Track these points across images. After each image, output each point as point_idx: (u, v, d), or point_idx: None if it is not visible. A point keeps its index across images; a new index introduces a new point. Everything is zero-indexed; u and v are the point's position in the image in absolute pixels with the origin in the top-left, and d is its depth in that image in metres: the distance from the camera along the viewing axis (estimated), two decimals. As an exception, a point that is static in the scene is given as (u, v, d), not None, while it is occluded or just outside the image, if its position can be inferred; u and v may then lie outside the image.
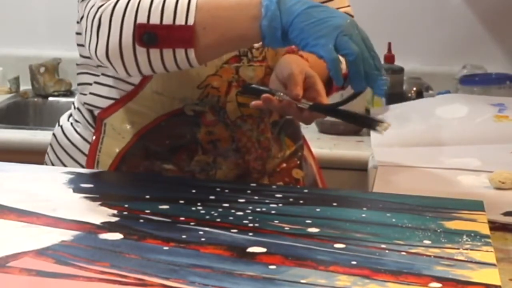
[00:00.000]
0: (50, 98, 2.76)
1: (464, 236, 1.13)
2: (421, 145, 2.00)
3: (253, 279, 0.96)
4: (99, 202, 1.24)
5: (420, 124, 2.12)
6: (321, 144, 2.21)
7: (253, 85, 1.40)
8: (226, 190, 1.32)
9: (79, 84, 1.54)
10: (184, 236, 1.10)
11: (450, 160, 1.83)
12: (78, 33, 1.49)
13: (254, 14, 1.23)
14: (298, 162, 1.57)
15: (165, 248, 1.05)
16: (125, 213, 1.19)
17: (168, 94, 1.43)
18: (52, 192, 1.29)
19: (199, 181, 1.43)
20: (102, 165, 1.46)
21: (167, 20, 1.25)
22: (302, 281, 0.96)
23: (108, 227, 1.13)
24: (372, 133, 2.07)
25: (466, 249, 1.08)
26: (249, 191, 1.32)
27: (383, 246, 1.08)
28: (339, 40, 1.20)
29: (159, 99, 1.43)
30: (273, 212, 1.22)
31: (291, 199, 1.29)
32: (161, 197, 1.27)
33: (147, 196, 1.28)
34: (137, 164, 1.45)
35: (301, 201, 1.28)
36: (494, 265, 1.03)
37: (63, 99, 2.75)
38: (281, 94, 1.33)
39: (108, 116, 1.46)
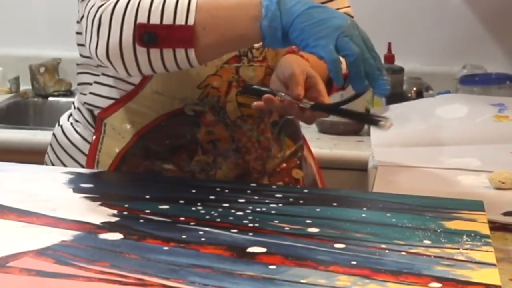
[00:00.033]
0: (50, 98, 2.77)
1: (464, 236, 1.13)
2: (421, 145, 2.00)
3: (253, 279, 0.96)
4: (99, 202, 1.24)
5: (420, 124, 2.12)
6: (321, 144, 2.21)
7: (254, 86, 1.40)
8: (226, 190, 1.32)
9: (79, 84, 1.54)
10: (184, 236, 1.10)
11: (450, 160, 1.83)
12: (78, 33, 1.49)
13: (254, 14, 1.23)
14: (298, 162, 1.57)
15: (165, 248, 1.05)
16: (125, 213, 1.19)
17: (168, 94, 1.43)
18: (52, 192, 1.29)
19: (199, 181, 1.43)
20: (102, 165, 1.46)
21: (167, 20, 1.25)
22: (302, 281, 0.96)
23: (108, 227, 1.13)
24: (372, 133, 2.08)
25: (466, 249, 1.08)
26: (249, 191, 1.32)
27: (383, 246, 1.08)
28: (340, 41, 1.20)
29: (159, 99, 1.43)
30: (273, 212, 1.22)
31: (291, 199, 1.29)
32: (161, 197, 1.27)
33: (147, 196, 1.28)
34: (137, 164, 1.45)
35: (301, 201, 1.28)
36: (494, 265, 1.03)
37: (63, 99, 2.75)
38: (282, 94, 1.33)
39: (108, 116, 1.46)
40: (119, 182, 1.43)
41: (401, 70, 2.50)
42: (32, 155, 1.94)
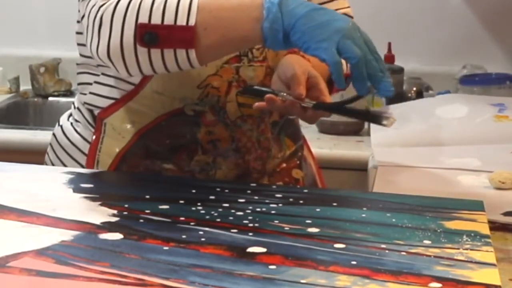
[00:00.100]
0: (50, 98, 2.77)
1: (464, 236, 1.13)
2: (421, 145, 2.00)
3: (253, 279, 0.96)
4: (99, 202, 1.24)
5: (420, 124, 2.12)
6: (321, 144, 2.21)
7: (255, 86, 1.40)
8: (226, 190, 1.32)
9: (79, 84, 1.54)
10: (184, 236, 1.10)
11: (450, 160, 1.83)
12: (78, 33, 1.49)
13: (255, 16, 1.23)
14: (298, 162, 1.57)
15: (165, 248, 1.05)
16: (125, 213, 1.19)
17: (169, 93, 1.43)
18: (52, 192, 1.29)
19: (199, 181, 1.43)
20: (102, 165, 1.46)
21: (169, 20, 1.25)
22: (302, 281, 0.96)
23: (108, 227, 1.13)
24: (372, 133, 2.08)
25: (466, 249, 1.08)
26: (249, 191, 1.32)
27: (383, 246, 1.08)
28: (341, 43, 1.19)
29: (159, 98, 1.43)
30: (273, 212, 1.22)
31: (291, 199, 1.29)
32: (161, 197, 1.27)
33: (147, 196, 1.28)
34: (137, 163, 1.45)
35: (301, 201, 1.28)
36: (494, 265, 1.03)
37: (63, 99, 2.75)
38: (284, 94, 1.33)
39: (108, 115, 1.46)
40: (119, 182, 1.43)
41: (401, 70, 2.50)
42: (32, 155, 1.94)
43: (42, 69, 2.76)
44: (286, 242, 1.09)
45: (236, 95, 1.44)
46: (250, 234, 1.12)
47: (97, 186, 1.33)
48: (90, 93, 1.49)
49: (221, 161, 1.45)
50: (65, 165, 1.51)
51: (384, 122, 1.30)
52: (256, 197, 1.29)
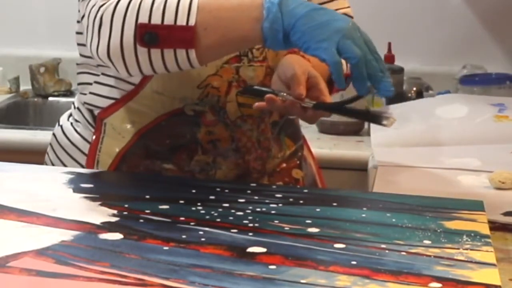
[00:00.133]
0: (50, 98, 2.77)
1: (464, 236, 1.13)
2: (421, 145, 2.00)
3: (253, 279, 0.96)
4: (99, 202, 1.24)
5: (420, 124, 2.12)
6: (321, 144, 2.21)
7: (255, 86, 1.40)
8: (226, 190, 1.32)
9: (79, 84, 1.54)
10: (184, 236, 1.10)
11: (450, 160, 1.83)
12: (78, 33, 1.49)
13: (255, 16, 1.23)
14: (298, 162, 1.57)
15: (165, 248, 1.05)
16: (125, 213, 1.19)
17: (169, 93, 1.43)
18: (52, 192, 1.29)
19: (199, 181, 1.43)
20: (102, 165, 1.46)
21: (169, 20, 1.25)
22: (302, 281, 0.96)
23: (108, 227, 1.13)
24: (372, 133, 2.08)
25: (466, 249, 1.08)
26: (249, 191, 1.32)
27: (383, 246, 1.08)
28: (341, 43, 1.19)
29: (160, 98, 1.43)
30: (273, 212, 1.22)
31: (291, 199, 1.29)
32: (161, 197, 1.27)
33: (147, 196, 1.28)
34: (137, 163, 1.45)
35: (301, 201, 1.28)
36: (494, 265, 1.03)
37: (63, 99, 2.75)
38: (284, 94, 1.33)
39: (108, 115, 1.46)
40: (119, 182, 1.43)
41: (401, 70, 2.50)
42: (32, 155, 1.94)
43: (42, 69, 2.76)
44: (286, 242, 1.09)
45: (236, 95, 1.44)
46: (250, 234, 1.12)
47: (97, 186, 1.33)
48: (90, 93, 1.49)
49: (221, 161, 1.45)
50: (65, 165, 1.51)
51: (384, 122, 1.30)
52: (256, 197, 1.29)
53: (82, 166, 1.48)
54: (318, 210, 1.23)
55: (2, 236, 1.09)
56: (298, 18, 1.21)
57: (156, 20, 1.25)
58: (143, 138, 1.45)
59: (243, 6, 1.25)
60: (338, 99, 1.37)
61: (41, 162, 1.57)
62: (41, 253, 1.03)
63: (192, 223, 1.15)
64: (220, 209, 1.22)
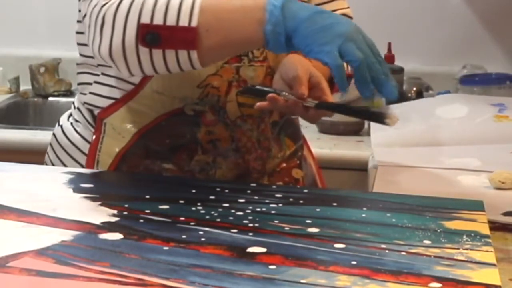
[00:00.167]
0: (50, 98, 2.77)
1: (464, 236, 1.13)
2: (421, 145, 2.00)
3: (253, 279, 0.96)
4: (99, 202, 1.24)
5: (420, 124, 2.12)
6: (321, 144, 2.21)
7: (257, 86, 1.40)
8: (226, 190, 1.32)
9: (79, 84, 1.54)
10: (184, 236, 1.10)
11: (450, 160, 1.83)
12: (78, 32, 1.49)
13: (258, 18, 1.23)
14: (298, 162, 1.57)
15: (165, 248, 1.05)
16: (125, 213, 1.19)
17: (169, 93, 1.43)
18: (52, 192, 1.29)
19: (199, 181, 1.43)
20: (102, 165, 1.46)
21: (171, 21, 1.25)
22: (302, 281, 0.96)
23: (108, 227, 1.13)
24: (372, 133, 2.08)
25: (466, 249, 1.08)
26: (249, 191, 1.32)
27: (383, 246, 1.08)
28: (344, 46, 1.19)
29: (160, 98, 1.43)
30: (273, 212, 1.22)
31: (291, 199, 1.29)
32: (161, 197, 1.27)
33: (147, 196, 1.28)
34: (137, 163, 1.45)
35: (301, 201, 1.28)
36: (494, 265, 1.03)
37: (63, 99, 2.75)
38: (286, 94, 1.33)
39: (108, 115, 1.46)
40: (119, 182, 1.43)
41: (401, 70, 2.50)
42: (32, 155, 1.94)
43: (42, 69, 2.76)
44: (286, 242, 1.09)
45: (236, 95, 1.44)
46: (250, 234, 1.12)
47: (97, 186, 1.33)
48: (90, 93, 1.49)
49: (221, 161, 1.45)
50: (65, 165, 1.51)
51: (387, 121, 1.30)
52: (256, 197, 1.29)
53: (82, 166, 1.48)
54: (318, 210, 1.23)
55: (2, 236, 1.09)
56: (301, 21, 1.21)
57: (158, 20, 1.25)
58: (143, 138, 1.45)
59: (246, 8, 1.25)
60: (338, 98, 1.37)
61: (41, 162, 1.57)
62: (41, 253, 1.03)
63: (192, 223, 1.15)
64: (220, 209, 1.22)
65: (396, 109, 2.26)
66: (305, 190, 1.38)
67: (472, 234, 1.14)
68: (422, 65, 2.71)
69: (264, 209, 1.23)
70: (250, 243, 1.08)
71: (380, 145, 1.98)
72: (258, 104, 1.35)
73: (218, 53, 1.29)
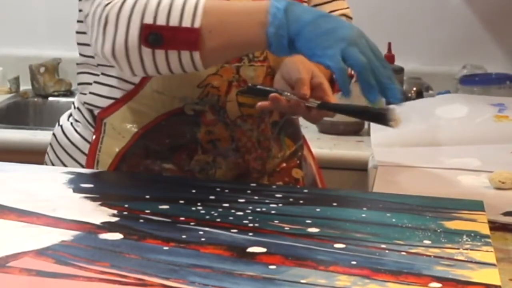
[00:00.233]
0: (50, 98, 2.77)
1: (464, 236, 1.13)
2: (421, 145, 2.00)
3: (253, 279, 0.96)
4: (99, 202, 1.24)
5: (420, 124, 2.12)
6: (321, 144, 2.21)
7: (259, 86, 1.40)
8: (226, 190, 1.32)
9: (79, 84, 1.54)
10: (184, 236, 1.10)
11: (450, 160, 1.83)
12: (78, 32, 1.49)
13: (261, 21, 1.23)
14: (298, 162, 1.57)
15: (165, 248, 1.05)
16: (125, 213, 1.19)
17: (169, 93, 1.43)
18: (52, 192, 1.29)
19: (199, 181, 1.43)
20: (102, 165, 1.46)
21: (174, 21, 1.25)
22: (302, 281, 0.96)
23: (108, 227, 1.13)
24: (372, 133, 2.08)
25: (466, 249, 1.08)
26: (249, 191, 1.32)
27: (383, 246, 1.08)
28: (347, 50, 1.19)
29: (159, 98, 1.43)
30: (273, 212, 1.22)
31: (291, 199, 1.29)
32: (161, 197, 1.27)
33: (147, 196, 1.27)
34: (137, 163, 1.45)
35: (301, 201, 1.28)
36: (494, 265, 1.03)
37: (63, 99, 2.75)
38: (288, 94, 1.33)
39: (108, 115, 1.46)
40: (119, 182, 1.43)
41: (401, 70, 2.50)
42: (32, 155, 1.94)
43: (42, 69, 2.76)
44: (286, 242, 1.09)
45: (237, 94, 1.44)
46: (250, 234, 1.12)
47: (97, 186, 1.33)
48: (90, 93, 1.49)
49: (221, 160, 1.45)
50: (65, 165, 1.51)
51: (390, 122, 1.30)
52: (256, 197, 1.29)
53: (82, 166, 1.48)
54: (318, 210, 1.23)
55: (2, 236, 1.09)
56: (304, 24, 1.21)
57: (161, 21, 1.25)
58: (143, 138, 1.45)
59: (249, 10, 1.25)
60: (337, 97, 1.37)
61: (41, 162, 1.57)
62: (41, 253, 1.03)
63: (192, 223, 1.15)
64: (220, 209, 1.22)
65: (396, 109, 2.26)
66: (305, 190, 1.38)
67: (472, 234, 1.14)
68: (422, 65, 2.71)
69: (264, 209, 1.23)
70: (250, 243, 1.08)
71: (380, 145, 1.98)
72: (259, 104, 1.35)
73: (220, 54, 1.29)
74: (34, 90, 2.77)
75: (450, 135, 2.05)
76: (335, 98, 1.37)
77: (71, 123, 1.53)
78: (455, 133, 2.06)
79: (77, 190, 1.30)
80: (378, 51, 1.23)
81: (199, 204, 1.24)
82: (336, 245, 1.08)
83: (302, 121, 1.54)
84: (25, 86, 2.78)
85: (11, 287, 0.94)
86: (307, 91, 1.32)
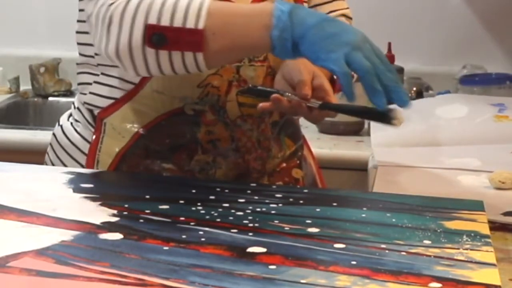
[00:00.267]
0: (50, 98, 2.77)
1: (464, 236, 1.13)
2: (421, 145, 2.00)
3: (253, 279, 0.96)
4: (99, 202, 1.24)
5: (420, 124, 2.12)
6: (321, 144, 2.21)
7: (259, 87, 1.39)
8: (226, 190, 1.32)
9: (79, 84, 1.54)
10: (184, 236, 1.10)
11: (450, 160, 1.83)
12: (78, 32, 1.49)
13: (265, 24, 1.23)
14: (298, 162, 1.57)
15: (165, 248, 1.05)
16: (125, 213, 1.19)
17: (169, 93, 1.43)
18: (52, 192, 1.29)
19: (199, 181, 1.43)
20: (102, 165, 1.46)
21: (178, 22, 1.24)
22: (302, 281, 0.96)
23: (108, 227, 1.13)
24: (372, 133, 2.08)
25: (466, 249, 1.08)
26: (249, 191, 1.32)
27: (383, 246, 1.08)
28: (351, 55, 1.18)
29: (159, 98, 1.43)
30: (273, 212, 1.22)
31: (291, 199, 1.29)
32: (161, 197, 1.27)
33: (147, 196, 1.28)
34: (137, 163, 1.45)
35: (301, 201, 1.28)
36: (494, 265, 1.03)
37: (63, 99, 2.75)
38: (289, 94, 1.33)
39: (108, 115, 1.46)
40: (119, 182, 1.43)
41: (401, 70, 2.50)
42: (32, 155, 1.94)
43: (42, 69, 2.76)
44: (286, 242, 1.09)
45: (237, 94, 1.44)
46: (250, 234, 1.12)
47: (97, 186, 1.33)
48: (90, 93, 1.49)
49: (221, 160, 1.45)
50: (65, 165, 1.51)
51: (393, 121, 1.30)
52: (256, 197, 1.29)
53: (82, 166, 1.48)
54: (318, 210, 1.23)
55: (2, 236, 1.09)
56: (309, 28, 1.20)
57: (165, 21, 1.25)
58: (143, 138, 1.45)
59: (253, 13, 1.25)
60: (338, 97, 1.37)
61: (41, 162, 1.57)
62: (41, 253, 1.03)
63: (192, 223, 1.15)
64: (220, 209, 1.22)
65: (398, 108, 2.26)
66: (305, 190, 1.38)
67: (472, 234, 1.14)
68: (422, 65, 2.71)
69: (264, 209, 1.23)
70: (250, 243, 1.08)
71: (380, 145, 1.98)
72: (260, 105, 1.35)
73: (224, 56, 1.29)
74: (34, 90, 2.77)
75: (450, 135, 2.05)
76: (336, 98, 1.37)
77: (71, 123, 1.53)
78: (455, 133, 2.06)
79: (77, 190, 1.30)
80: (383, 55, 1.22)
81: (199, 204, 1.24)
82: (336, 245, 1.08)
83: (302, 121, 1.54)
84: (25, 86, 2.78)
85: (11, 287, 0.94)
86: (309, 92, 1.32)
